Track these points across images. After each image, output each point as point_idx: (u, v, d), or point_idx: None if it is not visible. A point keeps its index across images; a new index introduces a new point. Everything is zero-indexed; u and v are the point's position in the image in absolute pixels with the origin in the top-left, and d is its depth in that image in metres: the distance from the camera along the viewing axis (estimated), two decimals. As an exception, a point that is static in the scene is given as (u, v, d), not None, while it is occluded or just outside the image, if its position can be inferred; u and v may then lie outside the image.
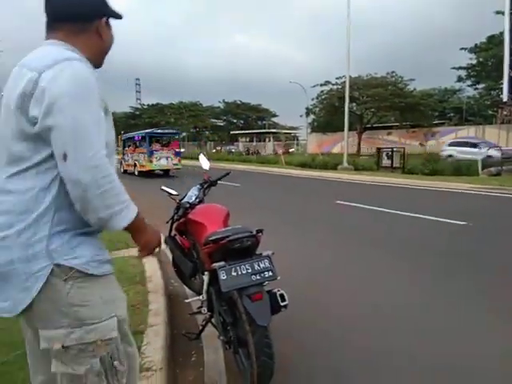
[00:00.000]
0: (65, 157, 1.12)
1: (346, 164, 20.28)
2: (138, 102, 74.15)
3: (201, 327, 3.05)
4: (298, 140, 56.25)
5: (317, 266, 4.91)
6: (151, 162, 17.19)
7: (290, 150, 41.31)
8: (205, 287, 2.76)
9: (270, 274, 2.41)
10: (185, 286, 3.89)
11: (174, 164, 17.87)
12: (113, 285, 1.39)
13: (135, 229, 1.33)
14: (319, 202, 10.23)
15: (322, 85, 37.71)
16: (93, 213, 1.17)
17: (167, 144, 18.45)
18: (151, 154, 17.16)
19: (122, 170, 19.15)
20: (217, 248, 2.50)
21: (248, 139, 56.14)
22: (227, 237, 2.43)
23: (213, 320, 2.84)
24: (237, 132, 57.19)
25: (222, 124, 67.12)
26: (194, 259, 3.19)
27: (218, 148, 46.68)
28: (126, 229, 1.28)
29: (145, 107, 63.29)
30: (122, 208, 1.21)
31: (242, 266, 2.39)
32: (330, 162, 21.34)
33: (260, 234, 2.57)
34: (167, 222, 3.58)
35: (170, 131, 20.18)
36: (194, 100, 61.23)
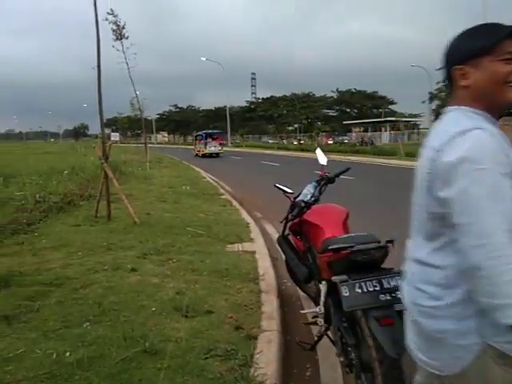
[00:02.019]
0: (460, 231, 1.07)
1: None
2: (253, 96, 76.67)
3: (316, 338, 2.79)
4: (418, 129, 51.94)
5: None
6: (206, 148, 29.15)
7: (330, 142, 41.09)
8: (322, 298, 2.48)
9: None
10: (298, 288, 3.66)
11: (219, 150, 29.64)
12: None
13: None
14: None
15: (449, 67, 33.95)
16: (481, 298, 1.06)
17: (216, 138, 30.72)
18: (206, 144, 29.35)
19: (194, 154, 30.53)
20: (337, 258, 2.19)
21: (362, 129, 53.76)
22: (351, 247, 2.10)
23: (329, 333, 2.55)
24: (350, 122, 55.20)
25: (334, 114, 65.47)
26: (309, 263, 2.93)
27: (329, 140, 45.42)
28: None
29: (259, 101, 65.13)
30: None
31: (369, 283, 2.04)
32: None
33: (391, 244, 2.18)
34: (281, 222, 3.38)
35: (217, 131, 34.52)
36: (306, 91, 60.87)
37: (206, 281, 3.69)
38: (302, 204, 3.09)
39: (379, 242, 2.17)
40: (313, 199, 3.21)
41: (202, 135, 30.56)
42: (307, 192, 3.29)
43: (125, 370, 2.20)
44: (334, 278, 2.12)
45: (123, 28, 15.31)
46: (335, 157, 24.80)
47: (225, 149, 36.73)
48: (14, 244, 4.71)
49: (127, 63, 15.87)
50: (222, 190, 10.54)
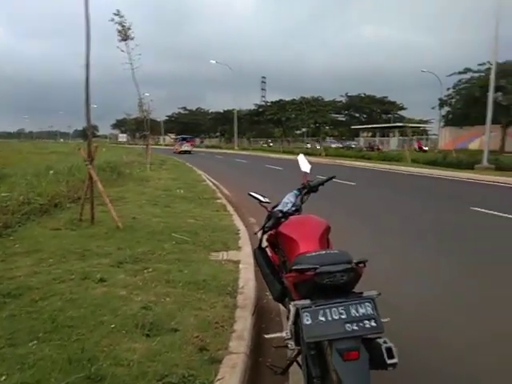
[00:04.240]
0: None
1: (486, 162, 17.43)
2: (263, 99, 76.45)
3: (288, 362, 2.53)
4: (427, 135, 51.25)
5: (440, 301, 3.93)
6: (181, 147, 41.72)
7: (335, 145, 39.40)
8: (290, 320, 2.20)
9: (373, 324, 1.75)
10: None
11: (191, 149, 42.26)
12: None
13: None
14: (449, 208, 8.73)
15: (460, 73, 33.39)
16: None
17: (189, 141, 44.09)
18: (181, 144, 42.51)
19: (174, 151, 41.19)
20: (302, 280, 1.93)
21: (370, 134, 53.19)
22: (315, 269, 1.83)
23: (299, 358, 2.28)
24: (358, 127, 54.69)
25: (343, 119, 64.97)
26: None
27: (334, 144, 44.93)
28: None
29: (268, 104, 64.80)
30: None
31: (334, 309, 1.78)
32: (466, 160, 18.60)
33: (362, 265, 1.91)
34: (255, 233, 3.13)
35: (190, 136, 49.91)
36: (315, 95, 60.47)
37: (178, 294, 3.43)
38: (279, 214, 2.84)
39: (350, 263, 1.90)
40: (293, 209, 2.96)
41: (179, 138, 46.14)
42: (287, 201, 3.04)
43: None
44: (294, 303, 1.86)
45: (129, 29, 15.28)
46: (341, 161, 24.55)
47: (232, 152, 45.22)
48: (-17, 249, 4.49)
49: (131, 64, 15.85)
50: (219, 194, 10.29)
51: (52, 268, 3.88)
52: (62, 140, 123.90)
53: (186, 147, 42.09)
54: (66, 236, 5.17)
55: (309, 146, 42.01)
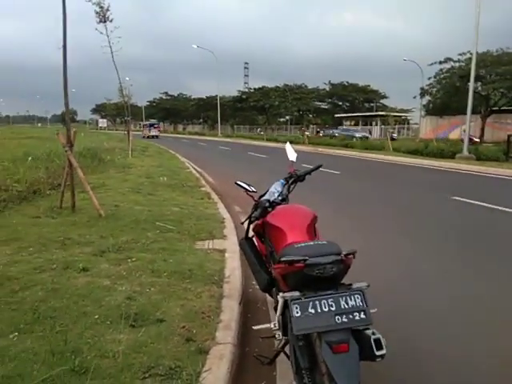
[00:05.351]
0: None
1: (466, 152, 17.72)
2: (246, 85, 75.78)
3: (275, 352, 2.53)
4: (408, 124, 51.86)
5: (424, 290, 4.00)
6: (149, 132, 48.07)
7: (306, 133, 34.29)
8: (279, 311, 2.19)
9: (362, 316, 1.75)
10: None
11: (157, 134, 48.57)
12: None
13: None
14: (431, 197, 8.86)
15: (441, 62, 33.75)
16: None
17: (156, 127, 50.60)
18: (149, 130, 48.61)
19: (142, 136, 45.56)
20: (292, 271, 1.91)
21: (353, 122, 53.55)
22: (304, 260, 1.82)
23: (287, 349, 2.28)
24: (341, 115, 54.89)
25: (326, 107, 65.03)
26: (271, 270, 2.65)
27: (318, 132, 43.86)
28: None
29: (251, 91, 64.33)
30: None
31: (324, 301, 1.77)
32: (447, 150, 18.88)
33: (351, 256, 1.90)
34: (242, 223, 3.09)
35: (156, 122, 57.40)
36: (299, 82, 60.27)
37: (163, 283, 3.39)
38: (266, 204, 2.81)
39: (339, 254, 1.89)
40: (280, 198, 2.94)
41: (147, 124, 52.03)
42: (274, 190, 3.01)
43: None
44: (283, 295, 1.84)
45: (107, 10, 14.77)
46: (324, 150, 24.66)
47: (215, 139, 44.62)
48: (-41, 237, 4.33)
49: (111, 47, 15.38)
50: (203, 182, 10.21)
51: (32, 257, 3.78)
52: (39, 125, 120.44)
53: (153, 132, 48.58)
54: (47, 224, 5.03)
55: (307, 133, 35.48)
